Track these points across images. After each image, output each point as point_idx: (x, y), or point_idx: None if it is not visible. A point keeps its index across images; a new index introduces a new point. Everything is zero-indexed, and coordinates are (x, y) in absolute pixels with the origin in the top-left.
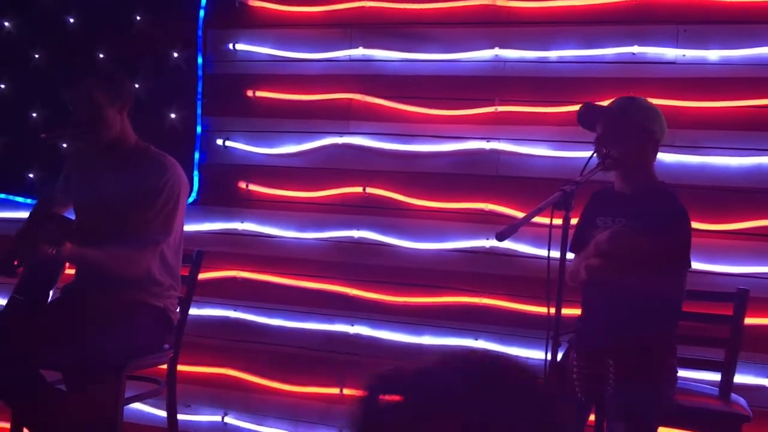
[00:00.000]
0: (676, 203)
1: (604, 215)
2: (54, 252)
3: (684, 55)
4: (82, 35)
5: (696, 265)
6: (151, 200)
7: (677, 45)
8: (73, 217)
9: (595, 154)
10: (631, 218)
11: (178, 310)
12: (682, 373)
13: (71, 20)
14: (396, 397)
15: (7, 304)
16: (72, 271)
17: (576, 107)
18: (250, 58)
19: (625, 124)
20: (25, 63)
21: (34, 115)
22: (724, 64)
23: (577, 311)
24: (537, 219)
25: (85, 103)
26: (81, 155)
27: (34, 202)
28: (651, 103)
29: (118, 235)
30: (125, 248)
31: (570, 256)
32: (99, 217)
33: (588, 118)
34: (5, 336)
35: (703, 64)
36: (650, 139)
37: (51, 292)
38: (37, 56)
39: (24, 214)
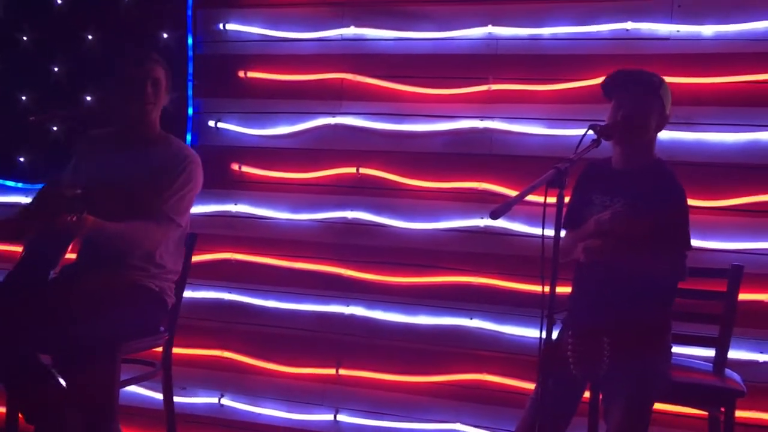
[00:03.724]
0: (674, 182)
1: (601, 193)
2: (74, 219)
3: (678, 31)
4: (69, 17)
5: (691, 242)
6: (171, 179)
7: (671, 20)
8: None
9: (590, 131)
10: (630, 197)
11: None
12: (676, 349)
13: (59, 2)
14: None
15: (2, 283)
16: (73, 256)
17: (569, 85)
18: (240, 38)
19: (654, 106)
20: (13, 45)
21: (23, 98)
22: (719, 39)
23: (570, 289)
24: (531, 197)
25: (152, 82)
26: (95, 141)
27: (25, 186)
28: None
29: (133, 214)
30: (143, 221)
31: (563, 232)
32: (114, 196)
33: (616, 83)
34: (0, 317)
35: (697, 39)
36: (665, 122)
37: (50, 274)
38: (25, 38)
39: (14, 198)
